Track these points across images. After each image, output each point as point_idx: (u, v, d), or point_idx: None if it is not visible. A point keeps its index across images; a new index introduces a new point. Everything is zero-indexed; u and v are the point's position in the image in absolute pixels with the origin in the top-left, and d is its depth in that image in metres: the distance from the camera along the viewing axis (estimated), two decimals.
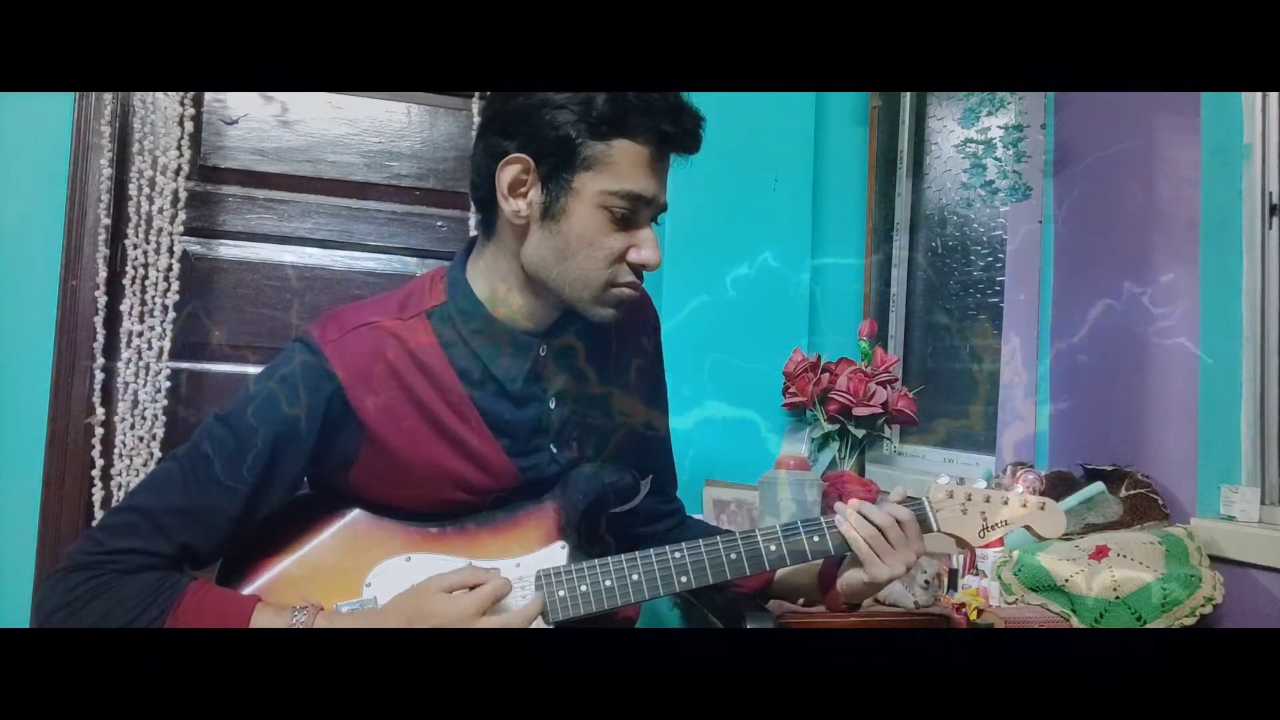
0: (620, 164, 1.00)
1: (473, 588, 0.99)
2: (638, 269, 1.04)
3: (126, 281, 1.86)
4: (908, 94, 2.37)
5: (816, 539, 1.09)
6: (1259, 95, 1.42)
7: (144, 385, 1.85)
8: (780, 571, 1.20)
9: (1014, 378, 1.83)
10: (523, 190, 1.02)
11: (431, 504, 1.06)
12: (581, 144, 0.99)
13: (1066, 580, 1.35)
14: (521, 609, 1.01)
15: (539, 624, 1.01)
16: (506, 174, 1.01)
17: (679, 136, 1.02)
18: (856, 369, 1.97)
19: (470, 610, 0.96)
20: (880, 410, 1.92)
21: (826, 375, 1.97)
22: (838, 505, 1.12)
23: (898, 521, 1.08)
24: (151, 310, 1.86)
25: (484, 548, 1.05)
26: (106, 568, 0.94)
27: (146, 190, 1.86)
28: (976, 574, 1.46)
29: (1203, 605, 1.28)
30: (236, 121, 2.03)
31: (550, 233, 1.02)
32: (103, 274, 1.85)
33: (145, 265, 1.86)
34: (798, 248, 2.21)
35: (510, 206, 1.02)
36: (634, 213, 1.02)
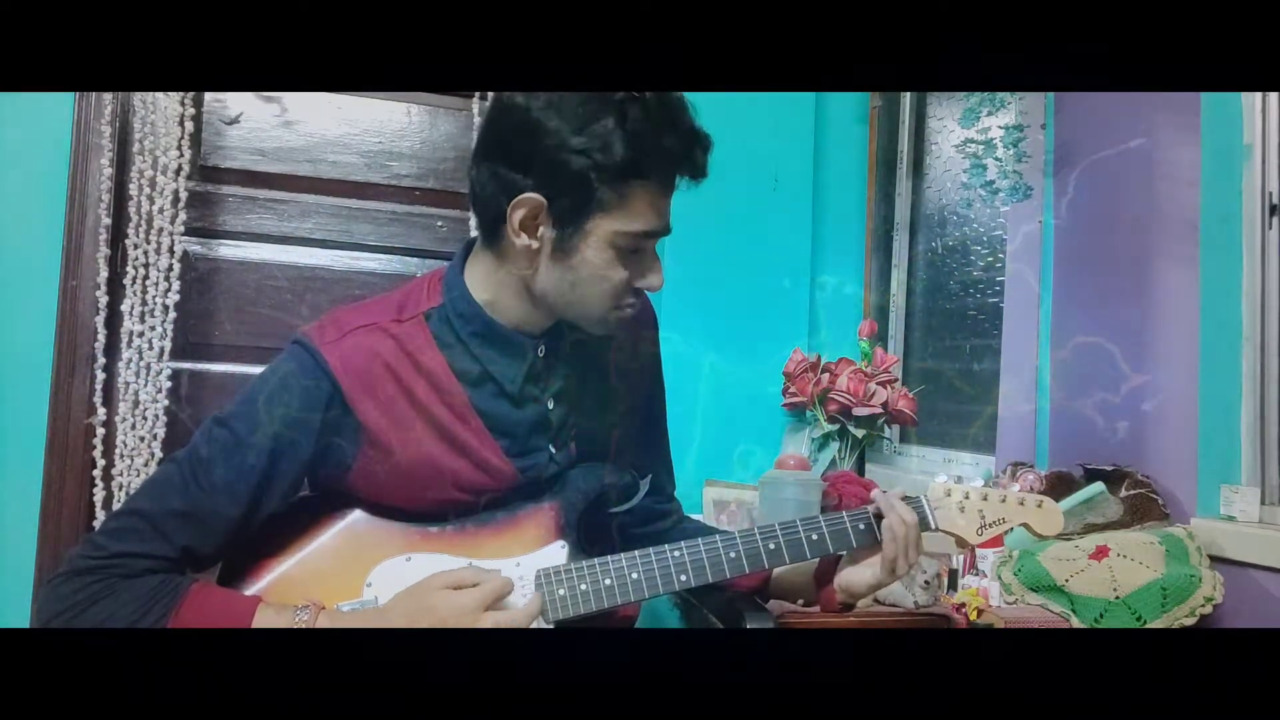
0: (634, 206, 1.00)
1: (474, 586, 0.99)
2: (640, 291, 1.06)
3: (127, 281, 1.86)
4: (908, 94, 2.37)
5: (816, 538, 1.09)
6: (1259, 95, 1.42)
7: (144, 385, 1.85)
8: (777, 571, 1.20)
9: (1014, 378, 1.83)
10: (534, 226, 1.01)
11: (431, 504, 1.06)
12: (599, 189, 0.98)
13: (1066, 580, 1.35)
14: (522, 608, 1.01)
15: (539, 623, 1.02)
16: (518, 214, 1.00)
17: (691, 171, 1.02)
18: (856, 369, 1.97)
19: (472, 607, 0.97)
20: (880, 410, 1.93)
21: (826, 375, 1.98)
22: (878, 495, 1.11)
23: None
24: (152, 310, 1.86)
25: (484, 547, 1.05)
26: (108, 572, 0.94)
27: (147, 190, 1.86)
28: (976, 574, 1.46)
29: (1203, 605, 1.28)
30: (236, 121, 2.03)
31: (561, 266, 1.02)
32: (103, 274, 1.85)
33: (145, 265, 1.86)
34: (797, 247, 2.21)
35: (521, 241, 1.01)
36: (643, 244, 1.03)
